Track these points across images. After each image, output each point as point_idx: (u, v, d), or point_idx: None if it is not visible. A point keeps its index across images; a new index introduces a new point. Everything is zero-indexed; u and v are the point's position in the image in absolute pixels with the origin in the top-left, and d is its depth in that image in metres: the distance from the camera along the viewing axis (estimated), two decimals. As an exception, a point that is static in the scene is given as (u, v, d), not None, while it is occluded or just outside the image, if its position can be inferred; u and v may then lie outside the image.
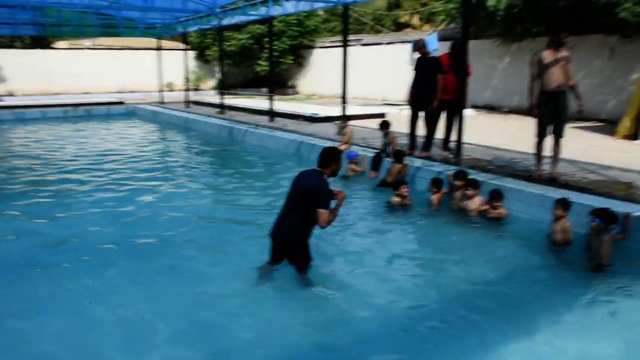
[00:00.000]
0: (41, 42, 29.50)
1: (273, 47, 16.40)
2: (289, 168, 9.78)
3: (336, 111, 13.45)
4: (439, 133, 9.12)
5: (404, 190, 6.92)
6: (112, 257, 5.51)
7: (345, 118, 10.84)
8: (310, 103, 20.20)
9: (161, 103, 21.41)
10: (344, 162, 7.42)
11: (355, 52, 20.55)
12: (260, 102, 19.04)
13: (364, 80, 21.45)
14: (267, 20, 15.56)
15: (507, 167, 7.82)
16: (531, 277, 5.07)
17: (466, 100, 8.59)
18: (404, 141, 9.20)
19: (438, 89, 8.52)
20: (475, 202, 6.56)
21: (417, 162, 8.28)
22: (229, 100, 18.82)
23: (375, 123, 9.85)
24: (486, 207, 6.47)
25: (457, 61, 8.56)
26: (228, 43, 24.29)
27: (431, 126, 8.89)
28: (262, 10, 14.58)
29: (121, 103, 21.45)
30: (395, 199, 6.96)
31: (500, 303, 4.55)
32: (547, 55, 6.80)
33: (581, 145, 9.65)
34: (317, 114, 14.48)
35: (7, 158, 11.35)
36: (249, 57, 26.16)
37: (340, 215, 4.75)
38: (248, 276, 4.83)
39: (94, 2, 15.01)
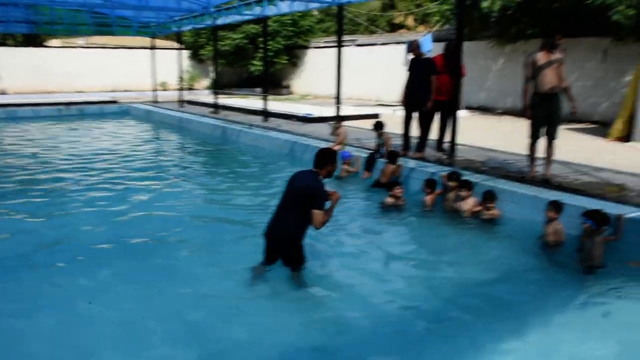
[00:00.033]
0: (34, 40, 29.34)
1: (267, 47, 16.39)
2: (283, 168, 9.78)
3: (330, 111, 13.45)
4: (433, 134, 9.14)
5: (397, 191, 6.93)
6: (106, 256, 5.49)
7: (339, 119, 10.84)
8: (304, 103, 20.19)
9: (155, 102, 21.35)
10: (338, 163, 7.41)
11: (350, 52, 20.55)
12: (254, 102, 19.01)
13: (358, 81, 21.46)
14: (262, 20, 15.55)
15: (501, 169, 7.84)
16: (524, 278, 5.09)
17: (460, 102, 8.61)
18: (397, 142, 9.21)
19: (432, 90, 8.53)
20: (469, 203, 6.57)
21: (411, 163, 8.29)
22: (223, 100, 18.78)
23: (369, 124, 9.86)
24: (479, 208, 6.49)
25: (451, 62, 8.58)
26: (222, 43, 24.25)
27: (425, 127, 8.91)
28: (257, 10, 14.55)
29: (114, 102, 21.35)
30: (389, 200, 6.97)
31: (493, 304, 4.55)
32: (541, 57, 6.83)
33: (574, 147, 9.69)
34: (311, 114, 14.47)
35: (-1, 157, 11.29)
36: (243, 56, 26.11)
37: (334, 215, 4.75)
38: (242, 277, 4.81)
39: (88, 0, 14.93)
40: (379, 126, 8.95)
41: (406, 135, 9.13)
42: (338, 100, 11.94)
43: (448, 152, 8.51)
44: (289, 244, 4.65)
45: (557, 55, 6.83)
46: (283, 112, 15.47)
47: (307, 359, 3.83)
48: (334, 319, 4.30)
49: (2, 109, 18.64)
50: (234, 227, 6.51)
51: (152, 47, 21.57)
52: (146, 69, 23.06)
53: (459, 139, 8.47)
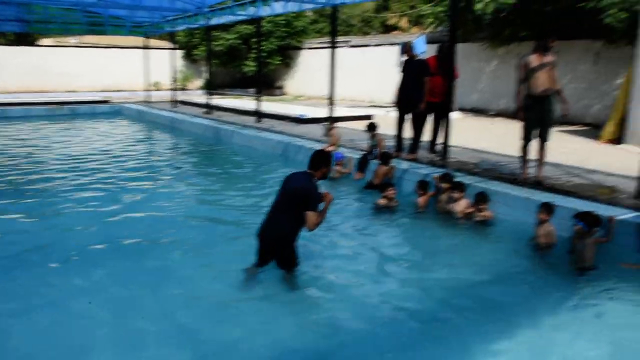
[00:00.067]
0: (25, 39, 29.17)
1: (261, 47, 16.36)
2: (276, 169, 9.77)
3: (324, 112, 13.45)
4: (426, 135, 9.15)
5: (390, 192, 6.92)
6: (99, 257, 5.45)
7: (332, 120, 10.84)
8: (297, 104, 20.19)
9: (147, 102, 21.27)
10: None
11: (344, 53, 20.56)
12: (247, 102, 18.99)
13: (352, 82, 21.48)
14: (256, 21, 15.53)
15: (493, 170, 7.86)
16: (516, 279, 5.10)
17: (453, 103, 8.62)
18: (390, 143, 9.21)
19: (425, 91, 8.54)
20: (461, 205, 6.57)
21: (404, 165, 8.30)
22: (216, 100, 18.74)
23: (362, 125, 9.86)
24: (472, 209, 6.49)
25: (445, 64, 8.60)
26: (216, 43, 24.21)
27: (418, 128, 8.92)
28: (251, 11, 14.54)
29: (106, 102, 21.25)
30: (382, 201, 6.96)
31: (485, 305, 4.55)
32: (534, 60, 6.85)
33: (566, 149, 9.73)
34: (304, 115, 14.47)
35: (-11, 156, 11.20)
36: (237, 57, 26.10)
37: (327, 217, 4.74)
38: (234, 278, 4.79)
39: (81, -1, 14.91)
40: (372, 127, 8.95)
41: (399, 137, 9.14)
42: (331, 101, 11.94)
43: (441, 154, 8.53)
44: (283, 245, 4.64)
45: (549, 58, 6.86)
46: (276, 113, 15.45)
47: (299, 361, 3.82)
48: (327, 320, 4.29)
49: (-7, 108, 18.53)
50: (227, 227, 6.49)
51: (145, 47, 21.49)
52: (139, 69, 22.98)
53: (452, 141, 8.49)
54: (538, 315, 4.34)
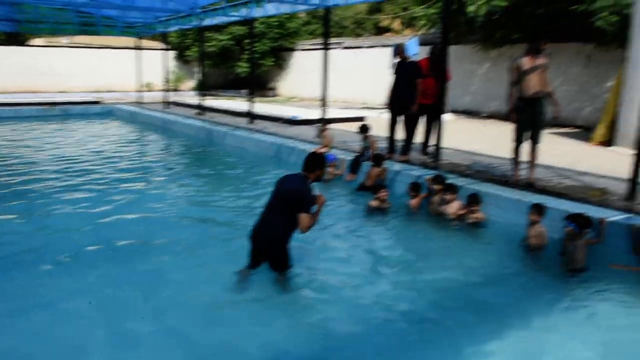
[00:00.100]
0: (16, 38, 28.99)
1: (254, 48, 16.34)
2: (268, 170, 9.75)
3: (316, 114, 13.45)
4: (418, 137, 9.16)
5: (382, 194, 6.93)
6: (91, 259, 5.40)
7: (325, 121, 10.84)
8: (290, 105, 20.18)
9: (140, 103, 21.19)
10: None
11: (336, 55, 20.58)
12: (240, 103, 18.95)
13: (345, 84, 21.50)
14: (248, 22, 15.51)
15: (485, 172, 7.88)
16: (507, 281, 5.11)
17: (445, 105, 8.64)
18: (383, 145, 9.22)
19: (417, 93, 8.56)
20: (453, 207, 6.59)
21: (396, 166, 8.31)
22: (209, 101, 18.69)
23: (355, 126, 9.87)
24: (464, 211, 6.50)
25: (437, 66, 8.62)
26: (208, 44, 24.16)
27: (410, 130, 8.93)
28: (243, 12, 14.53)
29: (98, 102, 21.15)
30: (374, 203, 6.97)
31: (476, 307, 4.56)
32: (526, 62, 6.88)
33: (558, 151, 9.78)
34: (297, 117, 14.46)
35: (-21, 157, 11.11)
36: (230, 58, 26.06)
37: (319, 218, 4.74)
38: (227, 280, 4.77)
39: (72, -1, 14.82)
40: (364, 129, 8.95)
41: (391, 139, 9.15)
42: (324, 102, 11.94)
43: (433, 156, 8.54)
44: (276, 246, 4.63)
45: (541, 61, 6.89)
46: (269, 114, 15.44)
47: (291, 363, 3.81)
48: (319, 322, 4.28)
49: (-16, 109, 18.39)
50: (219, 229, 6.47)
51: (138, 48, 21.41)
52: (131, 70, 22.89)
53: (444, 143, 8.51)
54: (530, 317, 4.35)
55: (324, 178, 8.33)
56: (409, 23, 29.50)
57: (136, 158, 11.57)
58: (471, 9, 14.52)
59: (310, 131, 12.04)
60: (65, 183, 8.68)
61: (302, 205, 4.42)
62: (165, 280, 4.94)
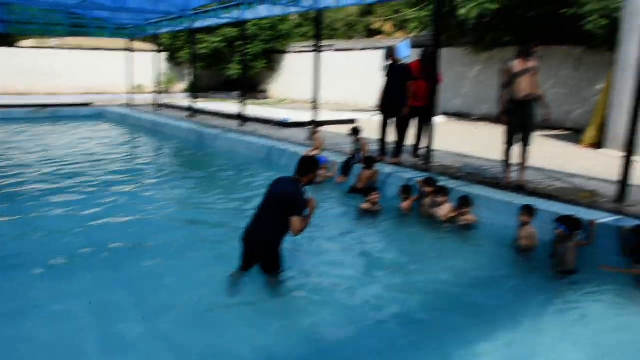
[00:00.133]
0: (5, 39, 28.75)
1: (245, 50, 16.32)
2: (260, 173, 9.72)
3: (307, 116, 13.43)
4: (409, 140, 9.17)
5: (374, 196, 6.92)
6: (80, 263, 5.36)
7: (316, 124, 10.83)
8: (281, 108, 20.16)
9: (130, 105, 21.09)
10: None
11: (328, 57, 20.59)
12: (231, 106, 18.90)
13: (336, 86, 21.51)
14: (240, 24, 15.48)
15: (476, 174, 7.90)
16: (498, 283, 5.12)
17: (436, 107, 8.66)
18: (374, 147, 9.22)
19: (408, 95, 8.57)
20: (445, 209, 6.59)
21: (388, 169, 8.31)
22: (200, 103, 18.64)
23: (346, 129, 9.86)
24: (455, 213, 6.51)
25: (428, 68, 8.64)
26: (200, 46, 24.10)
27: (401, 133, 8.94)
28: (235, 14, 14.50)
29: (88, 105, 21.02)
30: (365, 205, 6.96)
31: (468, 309, 4.56)
32: (517, 65, 6.91)
33: (548, 153, 9.83)
34: (288, 119, 14.44)
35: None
36: (221, 60, 26.00)
37: (311, 222, 4.73)
38: (219, 283, 4.73)
39: (63, 0, 14.69)
40: (355, 131, 8.95)
41: (383, 141, 9.15)
42: (315, 105, 11.93)
43: (424, 158, 8.55)
44: (269, 249, 4.62)
45: (532, 64, 6.92)
46: (260, 117, 15.41)
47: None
48: (311, 325, 4.27)
49: (-28, 111, 18.22)
50: (210, 231, 6.44)
51: (128, 49, 21.32)
52: (122, 72, 22.79)
53: (435, 145, 8.52)
54: (521, 319, 4.35)
55: (316, 181, 8.37)
56: (401, 26, 29.59)
57: (127, 161, 11.51)
58: (462, 11, 14.58)
59: (301, 134, 12.04)
60: (55, 185, 8.61)
61: (294, 208, 4.42)
62: (157, 283, 4.90)
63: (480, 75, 17.47)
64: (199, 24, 17.02)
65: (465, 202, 6.43)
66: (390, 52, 8.92)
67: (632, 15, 9.79)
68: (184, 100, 21.53)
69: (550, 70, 14.73)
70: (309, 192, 4.73)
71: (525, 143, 7.14)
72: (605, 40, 12.48)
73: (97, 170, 9.95)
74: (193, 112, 17.33)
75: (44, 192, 8.18)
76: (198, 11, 15.95)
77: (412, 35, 20.34)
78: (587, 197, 6.58)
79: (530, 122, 7.05)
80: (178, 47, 26.24)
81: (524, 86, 6.88)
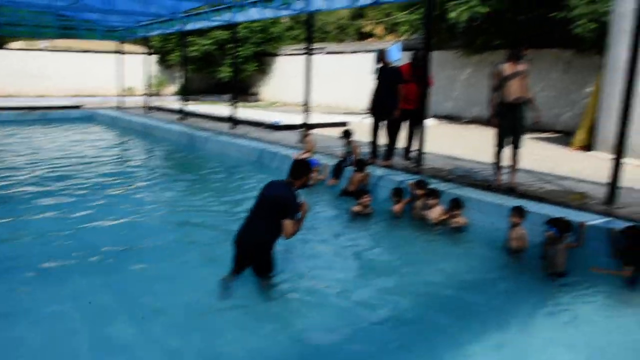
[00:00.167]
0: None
1: (237, 53, 16.29)
2: (251, 176, 9.71)
3: (299, 119, 13.42)
4: (401, 142, 9.18)
5: (365, 199, 6.92)
6: (72, 265, 5.33)
7: (307, 126, 10.81)
8: (273, 110, 20.13)
9: (121, 108, 20.98)
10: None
11: (319, 60, 20.58)
12: (222, 108, 18.85)
13: (327, 89, 21.51)
14: (231, 26, 15.45)
15: (467, 177, 7.92)
16: (489, 285, 5.13)
17: (427, 110, 8.68)
18: (365, 150, 9.22)
19: (399, 98, 8.58)
20: (436, 212, 6.60)
21: (379, 171, 8.31)
22: (191, 106, 18.58)
23: (337, 132, 9.86)
24: (446, 216, 6.52)
25: (419, 71, 8.66)
26: (191, 48, 24.02)
27: (392, 135, 8.95)
28: (226, 16, 14.47)
29: (78, 107, 20.88)
30: (357, 208, 6.96)
31: (458, 312, 4.56)
32: (507, 68, 6.94)
33: (538, 156, 9.87)
34: (279, 122, 14.42)
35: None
36: (212, 63, 25.94)
37: (303, 225, 4.73)
38: (210, 286, 4.70)
39: (52, 2, 14.58)
40: (347, 134, 8.95)
41: (374, 144, 9.16)
42: (307, 107, 11.93)
43: (415, 161, 8.56)
44: (261, 251, 4.62)
45: (522, 67, 6.95)
46: (251, 120, 15.38)
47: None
48: (302, 327, 4.26)
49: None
50: (202, 234, 6.41)
51: (119, 52, 21.22)
52: (112, 74, 22.67)
53: (427, 148, 8.54)
54: (512, 321, 4.36)
55: (308, 184, 8.36)
56: (392, 29, 29.66)
57: (118, 163, 11.45)
58: (453, 15, 14.65)
59: (292, 136, 12.02)
60: (46, 188, 8.54)
61: (287, 211, 4.43)
62: (149, 286, 4.87)
63: (471, 78, 17.55)
64: (190, 26, 16.97)
65: (456, 204, 6.45)
66: (381, 55, 8.94)
67: (621, 18, 9.87)
68: (175, 103, 21.46)
69: (540, 73, 14.83)
70: (301, 195, 4.71)
71: (516, 146, 7.17)
72: (594, 43, 12.58)
73: (88, 173, 9.89)
74: (184, 114, 17.27)
75: (34, 194, 8.12)
76: (189, 13, 15.92)
77: (403, 38, 20.40)
78: (577, 199, 6.62)
79: (521, 125, 7.08)
80: (169, 49, 26.15)
81: (514, 89, 6.92)
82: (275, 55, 26.87)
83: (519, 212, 5.68)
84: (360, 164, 8.06)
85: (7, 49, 27.42)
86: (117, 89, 21.92)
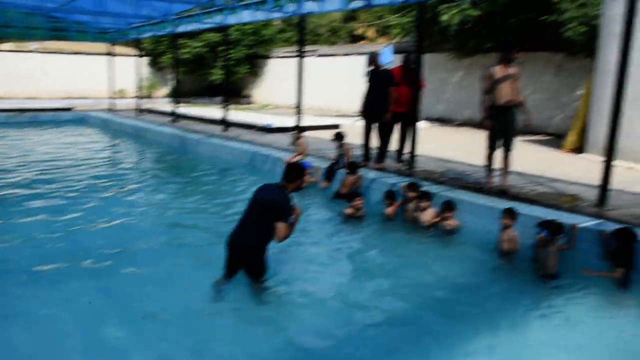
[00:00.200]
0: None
1: (228, 55, 16.25)
2: (243, 178, 9.69)
3: (291, 122, 13.41)
4: (393, 145, 9.19)
5: (357, 202, 6.92)
6: (62, 268, 5.29)
7: (299, 129, 10.81)
8: (265, 113, 20.12)
9: (112, 110, 20.88)
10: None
11: (311, 63, 20.58)
12: (214, 111, 18.79)
13: (320, 91, 21.51)
14: (223, 29, 15.42)
15: (459, 179, 7.94)
16: (481, 287, 5.14)
17: (419, 113, 8.70)
18: (358, 153, 9.22)
19: (390, 101, 8.59)
20: (428, 214, 6.61)
21: (371, 174, 8.31)
22: (183, 108, 18.51)
23: (329, 134, 9.86)
24: (438, 218, 6.53)
25: (410, 74, 8.68)
26: (182, 50, 23.94)
27: (384, 138, 8.96)
28: (218, 19, 14.43)
29: (69, 109, 20.75)
30: (349, 211, 6.95)
31: (450, 314, 4.57)
32: (498, 71, 6.96)
33: (530, 158, 9.91)
34: (271, 124, 14.40)
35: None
36: (204, 65, 25.87)
37: (295, 229, 4.72)
38: (203, 289, 4.69)
39: (43, 4, 14.48)
40: (339, 137, 8.94)
41: (366, 146, 9.16)
42: (299, 110, 11.92)
43: (408, 163, 8.58)
44: (254, 254, 4.61)
45: (513, 70, 6.98)
46: (243, 122, 15.35)
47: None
48: (295, 330, 4.25)
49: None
50: (193, 237, 6.39)
51: (110, 54, 21.12)
52: (103, 76, 22.54)
53: (419, 150, 8.55)
54: (504, 323, 4.37)
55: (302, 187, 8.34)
56: (384, 31, 29.72)
57: (109, 166, 11.39)
58: (444, 18, 14.70)
59: (284, 139, 12.00)
60: (36, 191, 8.48)
61: (280, 214, 4.43)
62: (141, 289, 4.85)
63: (463, 81, 17.61)
64: (181, 28, 16.90)
65: (448, 206, 6.46)
66: (373, 58, 8.94)
67: (610, 22, 9.94)
68: (167, 105, 21.37)
69: (531, 76, 14.91)
70: (293, 196, 4.71)
71: (507, 148, 7.19)
72: (584, 46, 12.66)
73: (80, 175, 9.82)
74: (175, 117, 17.22)
75: (25, 197, 8.06)
76: (180, 16, 15.85)
77: (394, 41, 20.46)
78: (569, 202, 6.64)
79: (512, 127, 7.11)
80: (160, 51, 26.05)
81: (505, 92, 6.94)
82: (267, 57, 26.86)
83: (510, 214, 5.70)
84: (353, 167, 8.06)
85: (-2, 50, 27.24)
86: (109, 91, 21.81)
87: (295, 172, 4.71)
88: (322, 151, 10.27)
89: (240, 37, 24.78)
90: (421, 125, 11.75)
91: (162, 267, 5.40)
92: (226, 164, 11.22)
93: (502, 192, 7.02)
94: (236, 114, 16.81)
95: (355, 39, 33.51)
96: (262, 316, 4.42)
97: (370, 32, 33.09)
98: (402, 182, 7.48)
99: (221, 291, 4.66)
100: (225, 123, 14.57)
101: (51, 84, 25.36)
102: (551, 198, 6.83)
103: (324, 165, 8.94)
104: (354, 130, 11.13)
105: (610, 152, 6.34)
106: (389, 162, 9.11)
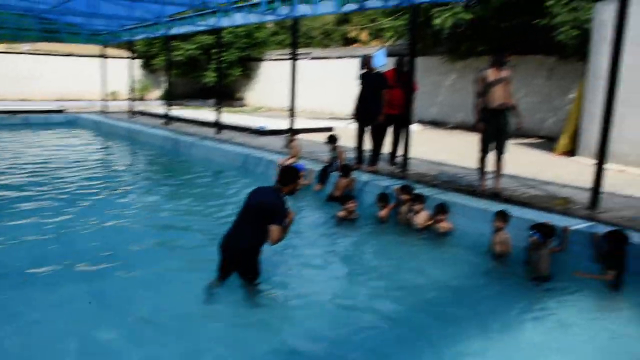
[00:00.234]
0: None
1: (221, 58, 16.23)
2: (236, 181, 9.67)
3: (284, 124, 13.41)
4: (386, 148, 9.20)
5: (351, 205, 6.92)
6: (56, 271, 5.26)
7: (293, 132, 10.81)
8: (258, 115, 20.10)
9: (104, 112, 20.79)
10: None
11: (304, 65, 20.62)
12: (207, 113, 18.76)
13: (313, 94, 21.51)
14: (216, 31, 15.40)
15: (452, 182, 7.96)
16: (474, 290, 5.14)
17: (412, 116, 8.72)
18: (351, 155, 9.23)
19: (383, 103, 8.61)
20: (421, 217, 6.62)
21: (364, 177, 8.32)
22: (175, 111, 18.47)
23: (323, 137, 9.87)
24: (431, 221, 6.54)
25: (403, 76, 8.70)
26: (175, 53, 23.90)
27: (377, 141, 8.97)
28: (211, 21, 14.41)
29: (61, 111, 20.64)
30: (342, 213, 6.95)
31: (443, 317, 4.56)
32: (491, 74, 6.99)
33: (522, 161, 9.95)
34: (264, 127, 14.39)
35: None
36: (197, 67, 25.84)
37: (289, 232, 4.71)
38: (196, 292, 4.66)
39: (35, 5, 14.39)
40: (332, 139, 8.95)
41: (359, 149, 9.17)
42: (292, 113, 11.92)
43: (401, 166, 8.59)
44: (247, 257, 4.60)
45: (505, 73, 7.01)
46: (236, 125, 15.32)
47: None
48: (288, 333, 4.24)
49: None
50: (186, 239, 6.36)
51: (103, 56, 21.05)
52: (96, 78, 22.44)
53: (412, 153, 8.57)
54: (496, 326, 4.37)
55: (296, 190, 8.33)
56: (377, 34, 29.80)
57: (102, 168, 11.34)
58: (437, 21, 14.76)
59: (278, 141, 12.00)
60: (27, 193, 8.43)
61: (274, 217, 4.42)
62: (133, 291, 4.82)
63: (456, 84, 17.68)
64: (174, 30, 16.87)
65: (441, 209, 6.47)
66: (366, 61, 8.96)
67: (601, 26, 10.01)
68: (159, 108, 21.32)
69: (524, 79, 14.99)
70: (287, 202, 4.70)
71: (500, 151, 7.22)
72: (576, 50, 12.74)
73: (72, 177, 9.77)
74: (168, 119, 17.17)
75: (17, 199, 8.00)
76: (174, 18, 15.82)
77: (387, 44, 20.50)
78: (561, 204, 6.68)
79: (504, 130, 7.14)
80: (153, 54, 26.00)
81: (497, 95, 6.97)
82: (260, 60, 26.86)
83: (502, 216, 5.72)
84: (346, 170, 8.06)
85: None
86: (101, 94, 21.72)
87: (290, 176, 4.70)
88: (315, 154, 10.27)
89: (233, 40, 24.78)
90: (414, 128, 11.78)
91: (155, 269, 5.38)
92: (219, 166, 11.20)
93: (495, 195, 7.04)
94: (229, 117, 16.77)
95: (349, 41, 33.60)
96: (256, 319, 4.41)
97: (364, 35, 33.18)
98: (395, 184, 7.49)
99: (214, 294, 4.64)
100: (218, 125, 14.54)
101: (43, 85, 25.24)
102: (543, 201, 6.86)
103: (317, 167, 8.94)
104: (347, 133, 11.13)
105: (602, 155, 6.38)
106: (382, 165, 9.12)
